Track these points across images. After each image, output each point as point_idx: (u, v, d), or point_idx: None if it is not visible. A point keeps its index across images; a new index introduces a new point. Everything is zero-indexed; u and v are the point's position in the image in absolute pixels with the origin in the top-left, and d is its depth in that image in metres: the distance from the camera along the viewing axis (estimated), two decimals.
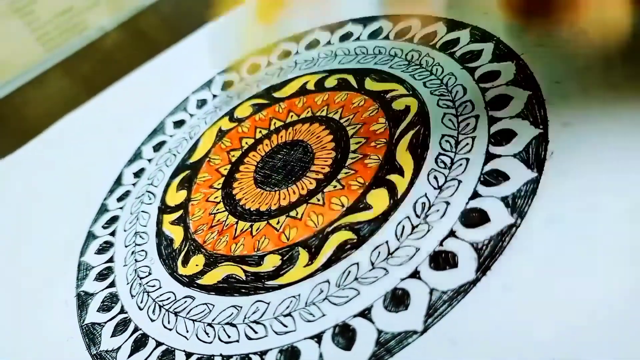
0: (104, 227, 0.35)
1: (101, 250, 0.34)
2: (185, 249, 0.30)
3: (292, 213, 0.28)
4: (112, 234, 0.34)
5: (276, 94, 0.37)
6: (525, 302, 0.19)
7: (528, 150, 0.24)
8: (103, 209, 0.37)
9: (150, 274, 0.30)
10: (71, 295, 0.32)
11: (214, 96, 0.41)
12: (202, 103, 0.41)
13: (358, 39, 0.38)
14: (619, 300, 0.18)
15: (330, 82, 0.35)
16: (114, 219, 0.35)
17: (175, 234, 0.32)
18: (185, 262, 0.29)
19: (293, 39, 0.41)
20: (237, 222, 0.30)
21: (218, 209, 0.31)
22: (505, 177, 0.24)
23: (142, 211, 0.35)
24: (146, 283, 0.30)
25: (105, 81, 0.54)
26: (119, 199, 0.37)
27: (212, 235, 0.30)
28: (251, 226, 0.29)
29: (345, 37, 0.38)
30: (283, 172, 0.31)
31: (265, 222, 0.29)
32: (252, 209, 0.30)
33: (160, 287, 0.29)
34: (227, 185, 0.33)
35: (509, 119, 0.26)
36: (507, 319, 0.19)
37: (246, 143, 0.35)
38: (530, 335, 0.19)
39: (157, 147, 0.39)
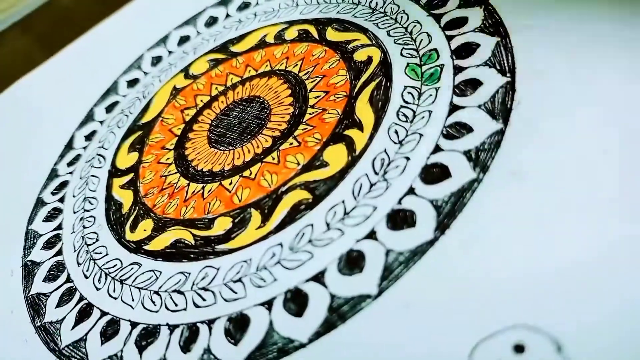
0: (52, 193, 0.33)
1: (49, 218, 0.32)
2: (134, 213, 0.28)
3: (246, 173, 0.26)
4: (61, 200, 0.32)
5: (234, 48, 0.35)
6: (484, 262, 0.18)
7: (494, 100, 0.22)
8: (53, 174, 0.35)
9: (97, 240, 0.28)
10: (17, 265, 0.30)
11: (170, 52, 0.38)
12: (157, 60, 0.38)
13: None
14: (583, 258, 0.17)
15: (291, 33, 0.33)
16: (64, 185, 0.33)
17: (125, 198, 0.30)
18: (133, 228, 0.28)
19: None
20: (188, 184, 0.28)
21: (170, 171, 0.29)
22: (469, 130, 0.22)
23: (92, 175, 0.32)
24: (93, 250, 0.28)
25: (63, 40, 0.50)
26: (69, 164, 0.35)
27: (163, 198, 0.28)
28: (203, 188, 0.27)
29: None
30: (238, 130, 0.29)
31: (218, 183, 0.27)
32: (204, 170, 0.28)
33: (106, 254, 0.27)
34: (180, 146, 0.31)
35: (475, 67, 0.24)
36: (464, 280, 0.18)
37: (201, 101, 0.33)
38: (489, 298, 0.17)
39: (110, 108, 0.37)
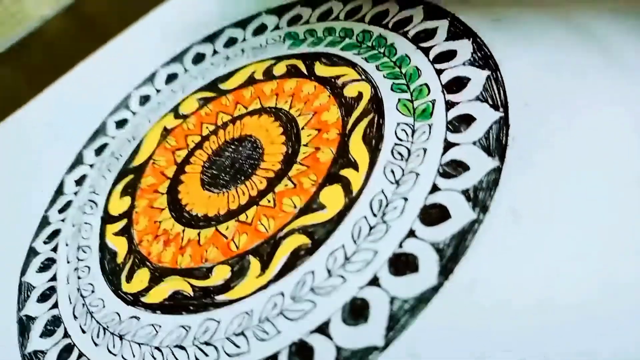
0: (45, 243, 0.33)
1: (43, 268, 0.31)
2: (130, 262, 0.28)
3: (242, 217, 0.26)
4: (54, 249, 0.32)
5: (223, 86, 0.35)
6: (490, 309, 0.18)
7: (488, 136, 0.22)
8: (44, 221, 0.34)
9: (93, 292, 0.28)
10: (12, 320, 0.29)
11: (158, 91, 0.38)
12: (145, 99, 0.38)
13: (307, 21, 0.35)
14: (590, 301, 0.17)
15: (279, 69, 0.33)
16: (56, 233, 0.33)
17: (119, 246, 0.29)
18: (129, 278, 0.27)
19: (239, 24, 0.38)
20: (183, 230, 0.27)
21: (164, 217, 0.29)
22: (465, 167, 0.22)
23: (85, 222, 0.32)
24: (89, 303, 0.27)
25: (49, 74, 0.50)
26: (61, 210, 0.34)
27: (158, 246, 0.28)
28: (199, 234, 0.27)
29: (293, 21, 0.36)
30: (232, 172, 0.29)
31: (214, 228, 0.26)
32: (199, 215, 0.28)
33: (104, 307, 0.27)
34: (173, 189, 0.30)
35: (467, 102, 0.24)
36: (472, 328, 0.18)
37: (192, 141, 0.32)
38: (496, 347, 0.17)
39: (99, 151, 0.36)
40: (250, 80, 0.34)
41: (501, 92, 0.23)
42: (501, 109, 0.23)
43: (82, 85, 0.45)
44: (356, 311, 0.20)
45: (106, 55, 0.47)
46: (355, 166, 0.25)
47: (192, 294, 0.24)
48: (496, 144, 0.22)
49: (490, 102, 0.23)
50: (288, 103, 0.30)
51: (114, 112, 0.38)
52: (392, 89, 0.27)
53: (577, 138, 0.20)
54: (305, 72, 0.32)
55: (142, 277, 0.27)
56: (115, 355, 0.24)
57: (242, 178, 0.28)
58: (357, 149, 0.25)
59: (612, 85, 0.21)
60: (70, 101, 0.44)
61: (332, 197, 0.24)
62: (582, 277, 0.17)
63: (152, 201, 0.30)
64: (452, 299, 0.18)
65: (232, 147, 0.30)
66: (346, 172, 0.25)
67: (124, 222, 0.30)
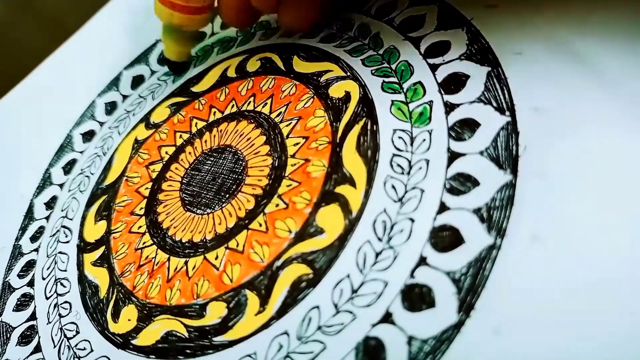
0: (20, 276, 0.30)
1: (20, 306, 0.29)
2: (114, 297, 0.26)
3: (232, 244, 0.24)
4: (31, 283, 0.29)
5: (195, 88, 0.32)
6: (519, 352, 0.16)
7: (496, 144, 0.20)
8: (17, 252, 0.31)
9: (78, 332, 0.26)
10: None
11: (124, 97, 0.35)
12: (111, 107, 0.35)
13: None
14: (631, 335, 0.15)
15: (252, 64, 0.30)
16: (30, 264, 0.30)
17: (100, 278, 0.27)
18: (115, 316, 0.25)
19: None
20: (168, 259, 0.25)
21: (145, 243, 0.27)
22: (475, 182, 0.20)
23: (60, 252, 0.29)
24: (75, 345, 0.25)
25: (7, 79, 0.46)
26: (33, 239, 0.31)
27: (142, 277, 0.25)
28: (186, 263, 0.25)
29: None
30: (214, 188, 0.26)
31: (202, 257, 0.24)
32: (183, 240, 0.26)
33: (92, 351, 0.25)
34: (151, 210, 0.28)
35: (468, 104, 0.22)
36: None
37: (166, 153, 0.30)
38: None
39: (68, 168, 0.34)
40: (223, 80, 0.31)
41: (505, 92, 0.21)
42: (507, 112, 0.21)
43: (40, 92, 0.41)
44: (371, 353, 0.18)
45: (64, 56, 0.43)
46: (351, 182, 0.23)
47: (187, 335, 0.22)
48: (506, 154, 0.20)
49: (495, 105, 0.21)
50: (267, 105, 0.28)
51: (79, 124, 0.35)
52: (383, 89, 0.25)
53: (596, 146, 0.19)
54: (283, 67, 0.29)
55: (129, 315, 0.25)
56: None
57: (227, 196, 0.26)
58: (352, 161, 0.23)
59: (634, 84, 0.19)
60: (29, 111, 0.41)
61: (331, 219, 0.22)
62: (621, 312, 0.16)
63: (129, 224, 0.28)
64: (477, 340, 0.17)
65: (212, 159, 0.28)
66: (343, 190, 0.22)
67: (101, 250, 0.28)
